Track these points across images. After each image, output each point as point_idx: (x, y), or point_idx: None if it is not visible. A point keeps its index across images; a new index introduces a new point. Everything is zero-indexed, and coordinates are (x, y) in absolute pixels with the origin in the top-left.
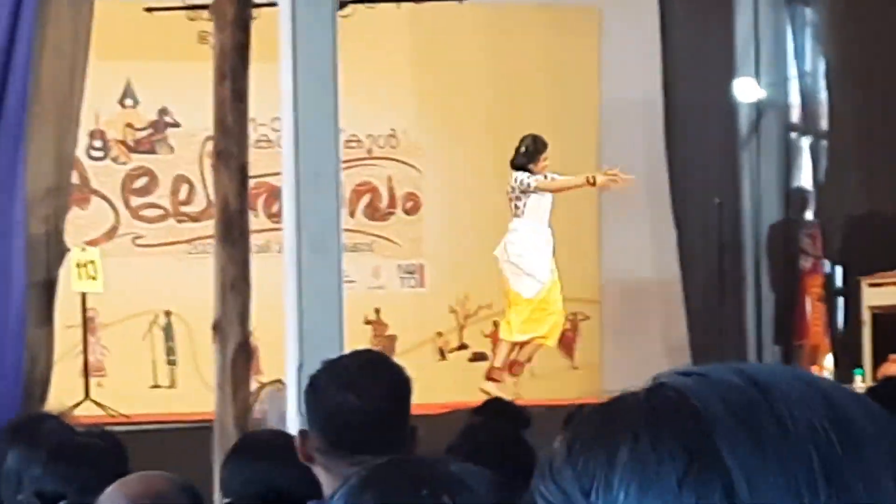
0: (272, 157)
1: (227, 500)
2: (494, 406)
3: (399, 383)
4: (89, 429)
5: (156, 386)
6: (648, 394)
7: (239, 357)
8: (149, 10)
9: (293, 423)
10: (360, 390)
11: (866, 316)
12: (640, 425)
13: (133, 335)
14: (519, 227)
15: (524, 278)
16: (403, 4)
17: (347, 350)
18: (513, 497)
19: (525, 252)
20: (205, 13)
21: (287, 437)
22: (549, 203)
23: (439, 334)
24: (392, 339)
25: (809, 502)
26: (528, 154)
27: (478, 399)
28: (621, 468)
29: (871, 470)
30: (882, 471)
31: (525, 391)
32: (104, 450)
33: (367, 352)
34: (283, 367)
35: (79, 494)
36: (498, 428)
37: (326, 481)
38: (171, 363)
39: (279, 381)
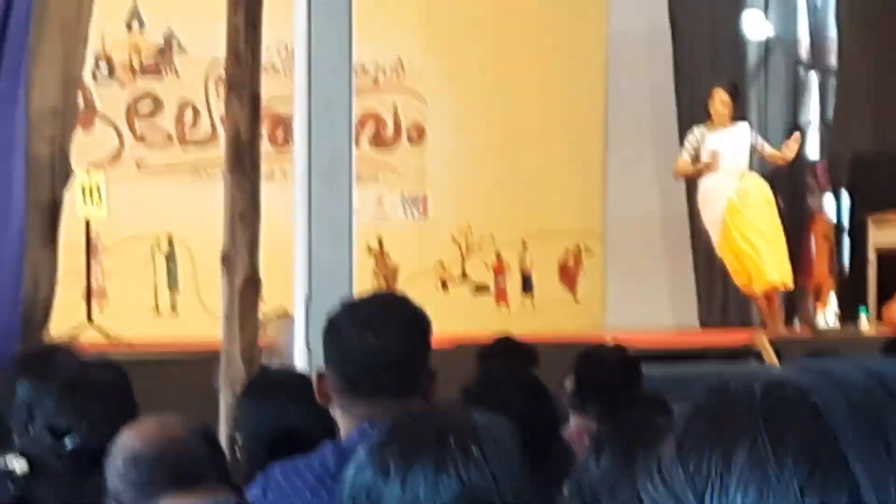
0: (278, 84)
1: (241, 438)
2: (504, 344)
3: (419, 326)
4: (98, 360)
5: (157, 312)
6: (766, 391)
7: (247, 289)
8: None
9: (300, 356)
10: (379, 331)
11: (872, 254)
12: (758, 425)
13: (136, 260)
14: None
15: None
16: None
17: (356, 281)
18: (533, 443)
19: (701, 207)
20: None
21: (302, 377)
22: (731, 151)
23: (442, 265)
24: (395, 269)
25: None
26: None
27: (480, 331)
28: (739, 470)
29: None
30: None
31: (527, 324)
32: (113, 383)
33: (388, 293)
34: (287, 297)
35: (88, 428)
36: (512, 369)
37: (343, 422)
38: (173, 289)
39: (286, 310)
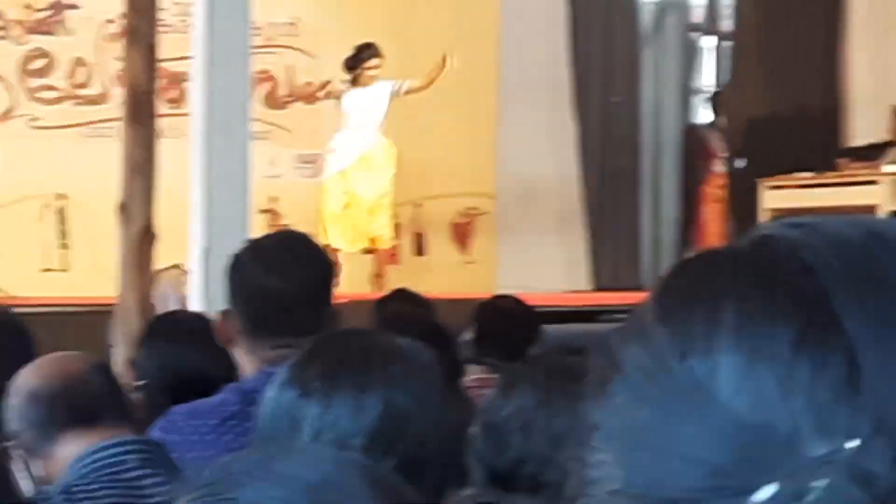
0: (173, 42)
1: (142, 382)
2: (401, 294)
3: (323, 266)
4: None
5: (47, 269)
6: (754, 246)
7: (143, 239)
8: None
9: (197, 308)
10: (284, 271)
11: (765, 218)
12: (746, 282)
13: (26, 218)
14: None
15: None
16: None
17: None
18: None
19: (329, 162)
20: None
21: (203, 319)
22: (361, 111)
23: None
24: (287, 228)
25: None
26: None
27: (369, 291)
28: (726, 329)
29: None
30: None
31: (419, 285)
32: (11, 327)
33: (291, 232)
34: (179, 253)
35: None
36: (413, 313)
37: (246, 363)
38: (64, 247)
39: (177, 266)
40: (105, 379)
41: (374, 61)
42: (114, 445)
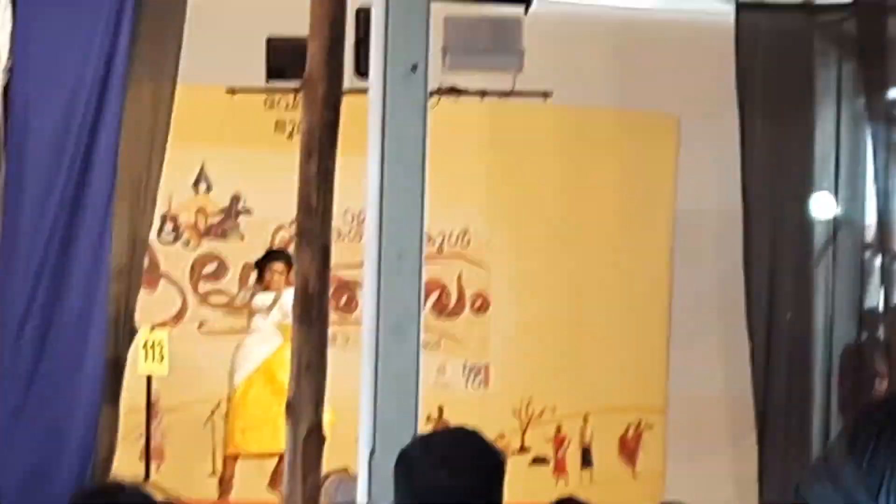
0: (341, 250)
1: None
2: (567, 502)
3: (492, 463)
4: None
5: (215, 474)
6: None
7: (310, 440)
8: (231, 91)
9: None
10: (453, 468)
11: None
12: None
13: (194, 421)
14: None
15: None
16: (486, 99)
17: None
18: None
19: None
20: (284, 99)
21: None
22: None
23: (501, 436)
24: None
25: None
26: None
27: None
28: None
29: None
30: None
31: (585, 499)
32: None
33: (461, 429)
34: (347, 455)
35: None
36: None
37: None
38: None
39: (344, 469)
40: None
41: (278, 265)
42: None
